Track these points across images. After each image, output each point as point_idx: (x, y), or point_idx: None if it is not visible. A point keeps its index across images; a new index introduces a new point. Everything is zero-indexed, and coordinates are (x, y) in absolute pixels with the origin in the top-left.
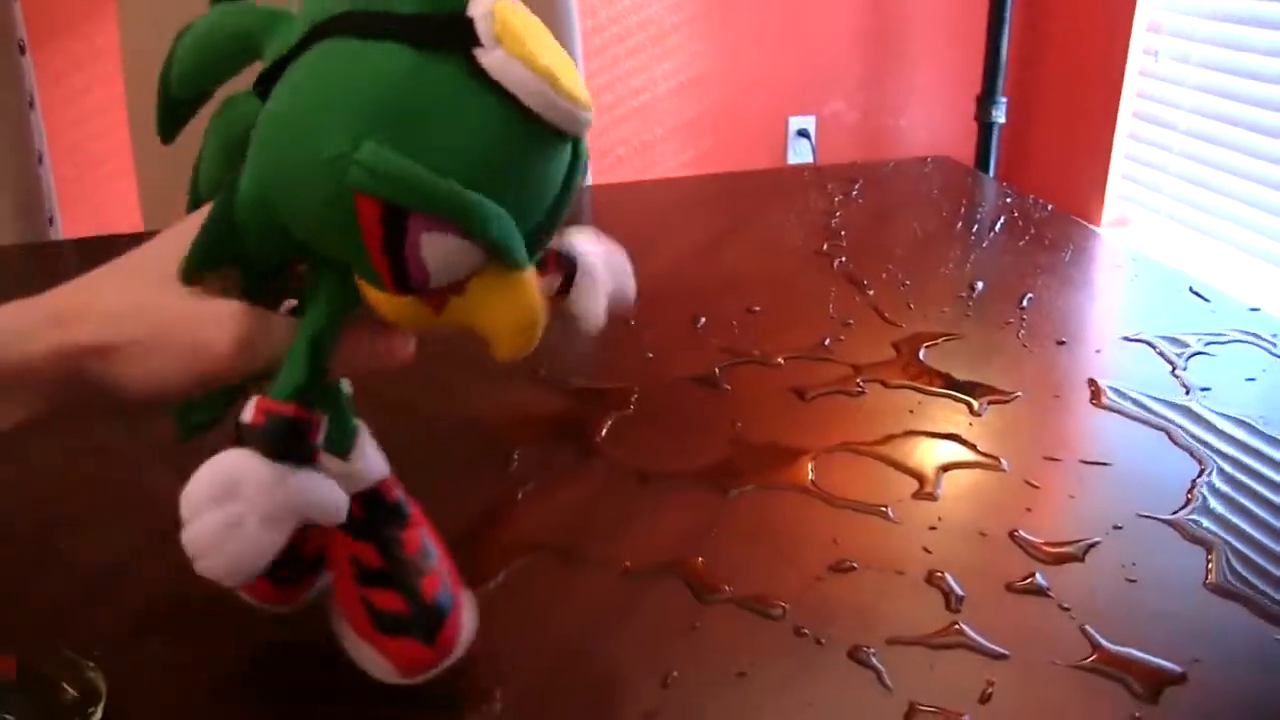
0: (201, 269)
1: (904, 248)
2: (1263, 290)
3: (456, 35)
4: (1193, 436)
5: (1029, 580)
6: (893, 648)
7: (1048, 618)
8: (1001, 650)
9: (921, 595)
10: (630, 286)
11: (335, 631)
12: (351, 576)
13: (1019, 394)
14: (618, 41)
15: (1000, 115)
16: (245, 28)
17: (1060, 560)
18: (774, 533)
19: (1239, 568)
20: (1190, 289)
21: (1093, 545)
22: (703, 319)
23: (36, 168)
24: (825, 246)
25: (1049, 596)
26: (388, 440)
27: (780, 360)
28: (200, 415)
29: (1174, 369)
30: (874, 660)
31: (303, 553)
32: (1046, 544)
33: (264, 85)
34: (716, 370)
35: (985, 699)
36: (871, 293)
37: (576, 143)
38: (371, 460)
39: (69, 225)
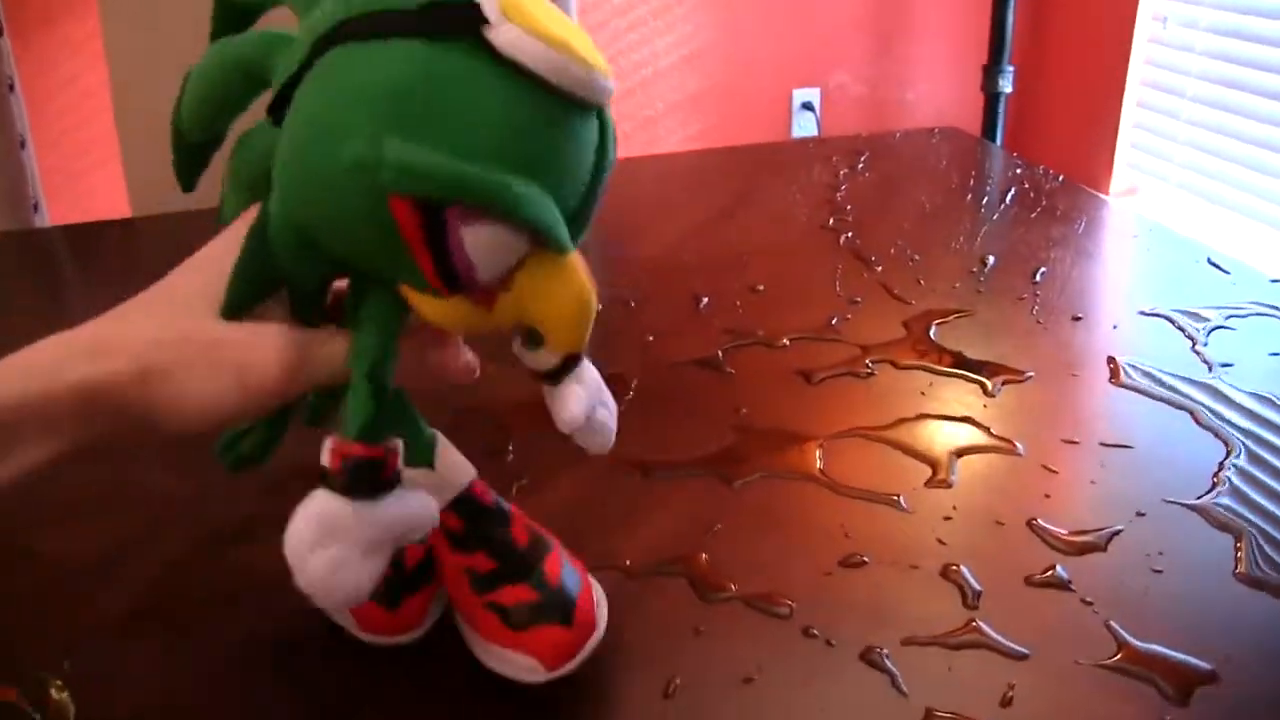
0: (244, 304)
1: (912, 222)
2: (1275, 257)
3: (463, 18)
4: (1217, 416)
5: (1049, 573)
6: (907, 648)
7: (1070, 613)
8: (1022, 650)
9: (937, 591)
10: (610, 429)
11: (473, 651)
12: (470, 589)
13: (1034, 373)
14: (618, 15)
15: (1007, 85)
16: (247, 55)
17: (1082, 550)
18: (781, 525)
19: (1272, 554)
20: (1208, 260)
21: (1115, 534)
22: (705, 299)
23: (19, 153)
24: (831, 221)
25: (1071, 590)
26: None
27: (786, 341)
28: (247, 445)
29: (1194, 344)
30: (888, 662)
31: (405, 570)
32: (1067, 533)
33: (276, 110)
34: (719, 353)
35: (1006, 703)
36: (879, 269)
37: (603, 120)
38: (457, 465)
39: (56, 212)
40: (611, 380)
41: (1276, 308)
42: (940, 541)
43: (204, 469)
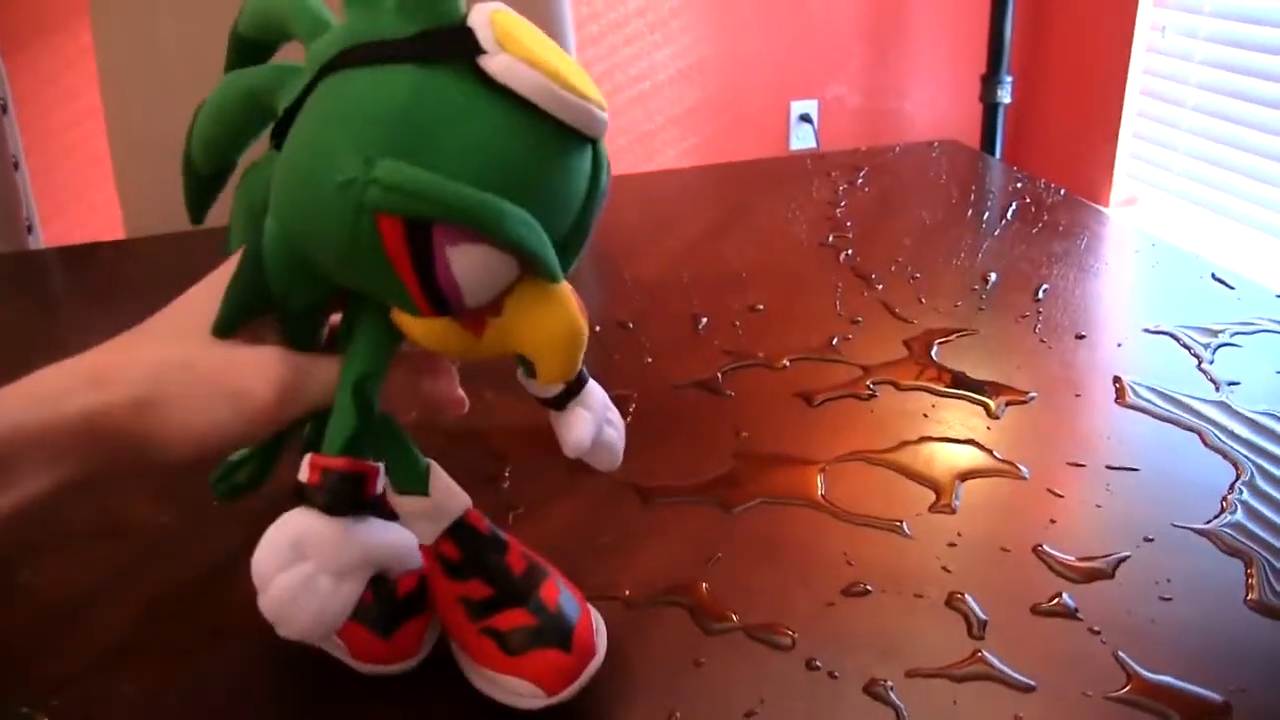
0: (236, 321)
1: (912, 238)
2: (1277, 267)
3: (458, 45)
4: (1225, 437)
5: (1056, 601)
6: (912, 680)
7: (1077, 642)
8: (1028, 681)
9: (942, 620)
10: (619, 448)
11: (471, 681)
12: (466, 617)
13: (1038, 393)
14: (615, 29)
15: (1005, 95)
16: (256, 86)
17: (1089, 577)
18: (782, 553)
19: None
20: (1213, 275)
21: (1123, 560)
22: (704, 319)
23: (12, 174)
24: (831, 238)
25: (1078, 619)
26: None
27: (786, 363)
28: (242, 476)
29: (1200, 362)
30: (893, 695)
31: (396, 596)
32: (1073, 559)
33: (278, 136)
34: (719, 375)
35: None
36: (880, 287)
37: (597, 151)
38: (452, 493)
39: (50, 234)
40: (611, 402)
41: None
42: (945, 569)
43: (194, 500)
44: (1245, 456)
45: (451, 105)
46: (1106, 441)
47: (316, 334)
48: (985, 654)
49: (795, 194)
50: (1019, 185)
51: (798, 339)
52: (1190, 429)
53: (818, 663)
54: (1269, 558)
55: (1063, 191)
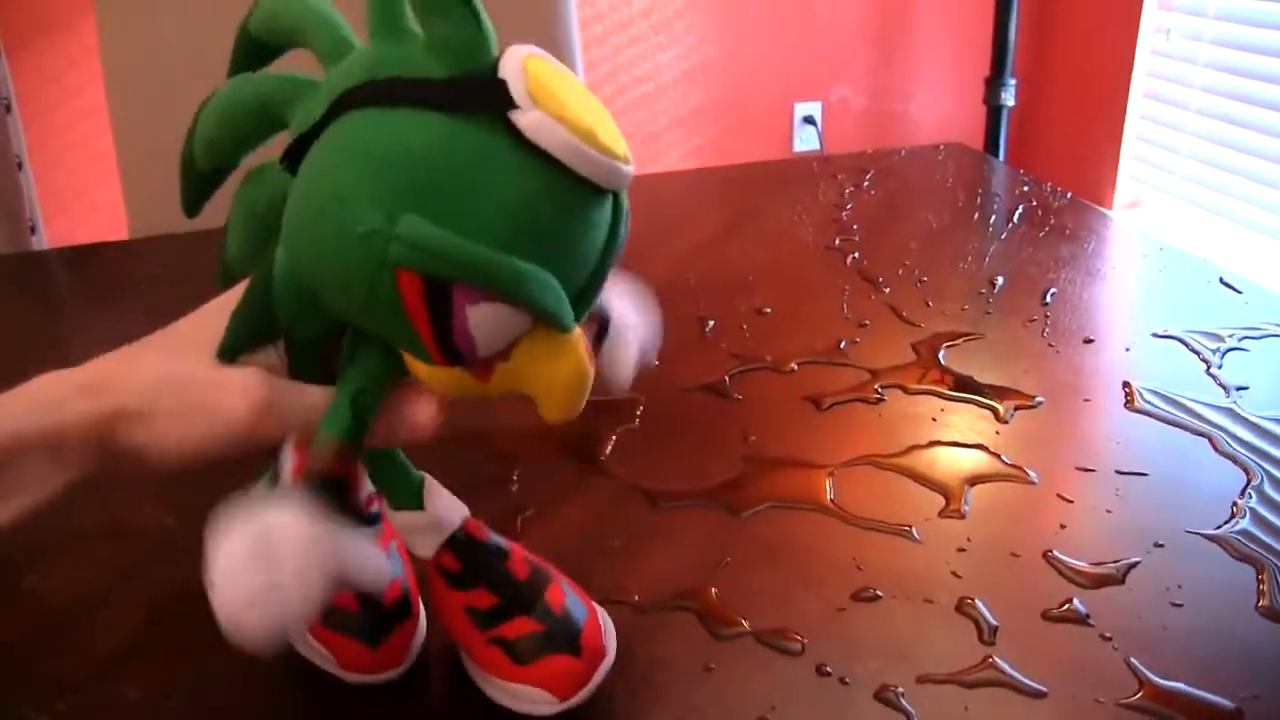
0: (240, 347)
1: (919, 241)
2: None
3: (490, 98)
4: (1235, 442)
5: (1066, 606)
6: (923, 686)
7: (1088, 648)
8: (1040, 687)
9: (952, 626)
10: (655, 344)
11: (482, 690)
12: (472, 626)
13: (1047, 398)
14: (619, 30)
15: (1010, 98)
16: (267, 95)
17: (1099, 583)
18: (792, 558)
19: None
20: (1220, 280)
21: (1133, 565)
22: (711, 322)
23: (16, 173)
24: (837, 241)
25: (1089, 625)
26: None
27: (793, 366)
28: None
29: (1209, 367)
30: (904, 701)
31: (382, 605)
32: (1083, 565)
33: (292, 160)
34: (726, 378)
35: None
36: (887, 290)
37: (618, 200)
38: (448, 505)
39: (52, 234)
40: (619, 405)
41: None
42: (955, 574)
43: (197, 503)
44: (1255, 462)
45: (480, 162)
46: (1115, 446)
47: (322, 364)
48: (996, 660)
49: (801, 196)
50: (1025, 189)
51: (805, 342)
52: (1200, 434)
53: (828, 668)
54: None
55: (1069, 195)
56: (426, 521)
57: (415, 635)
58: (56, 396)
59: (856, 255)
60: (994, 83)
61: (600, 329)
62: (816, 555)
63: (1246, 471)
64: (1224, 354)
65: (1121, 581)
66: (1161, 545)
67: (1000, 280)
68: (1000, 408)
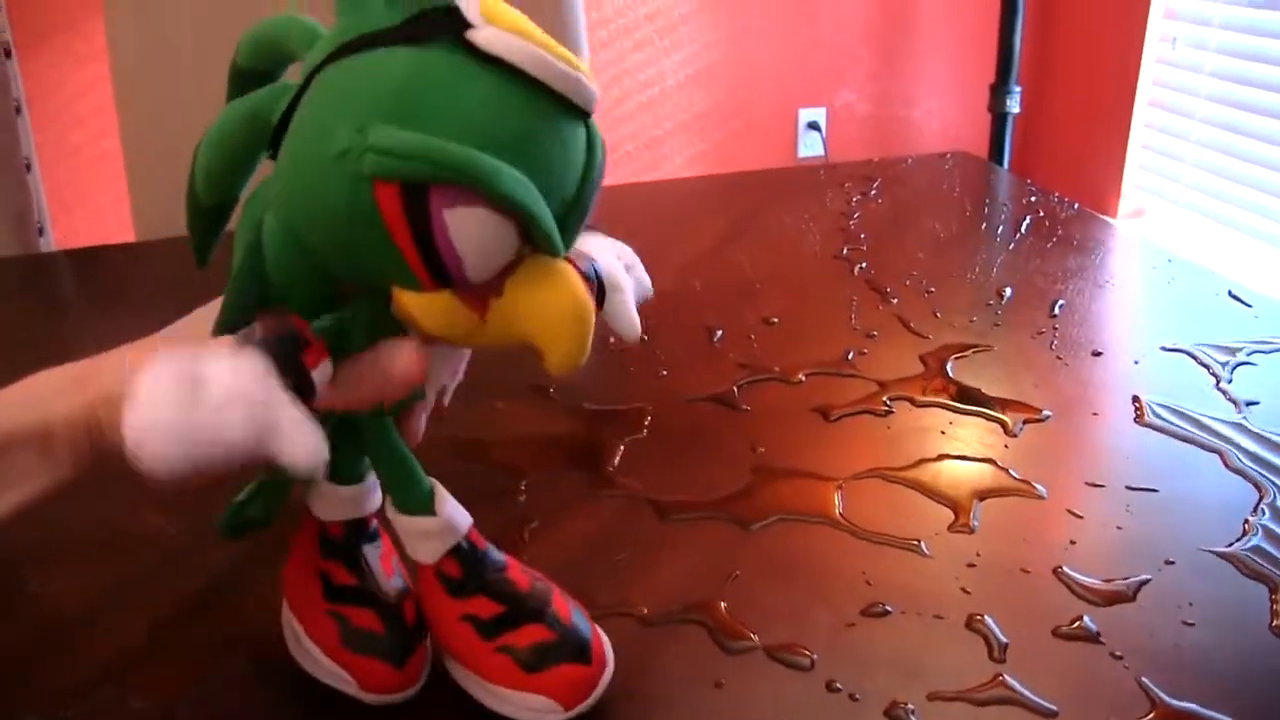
0: (237, 319)
1: (926, 251)
2: None
3: (446, 23)
4: (1247, 458)
5: (1077, 624)
6: (934, 704)
7: (1099, 667)
8: (1051, 706)
9: (962, 642)
10: (646, 279)
11: (478, 699)
12: (476, 634)
13: (1055, 411)
14: (625, 34)
15: (1014, 105)
16: (258, 103)
17: (1110, 600)
18: (801, 571)
19: None
20: (1229, 293)
21: (1144, 583)
22: (719, 331)
23: (25, 176)
24: (844, 250)
25: (1100, 642)
26: None
27: (802, 377)
28: (252, 512)
29: (1218, 381)
30: (914, 719)
31: (406, 624)
32: (1094, 582)
33: (276, 145)
34: (734, 389)
35: None
36: (895, 301)
37: (590, 130)
38: (457, 512)
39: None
40: (626, 416)
41: None
42: (964, 590)
43: (200, 512)
44: (1266, 478)
45: (443, 76)
46: (1125, 461)
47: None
48: (1006, 677)
49: (808, 204)
50: (1032, 199)
51: (813, 353)
52: (1210, 450)
53: (838, 684)
54: None
55: (1076, 205)
56: (438, 527)
57: (428, 652)
58: (45, 391)
59: (864, 265)
60: (999, 89)
61: (599, 291)
62: (826, 569)
63: (1258, 488)
64: (1234, 368)
65: (1132, 599)
66: (1172, 562)
67: (1008, 291)
68: (1009, 421)
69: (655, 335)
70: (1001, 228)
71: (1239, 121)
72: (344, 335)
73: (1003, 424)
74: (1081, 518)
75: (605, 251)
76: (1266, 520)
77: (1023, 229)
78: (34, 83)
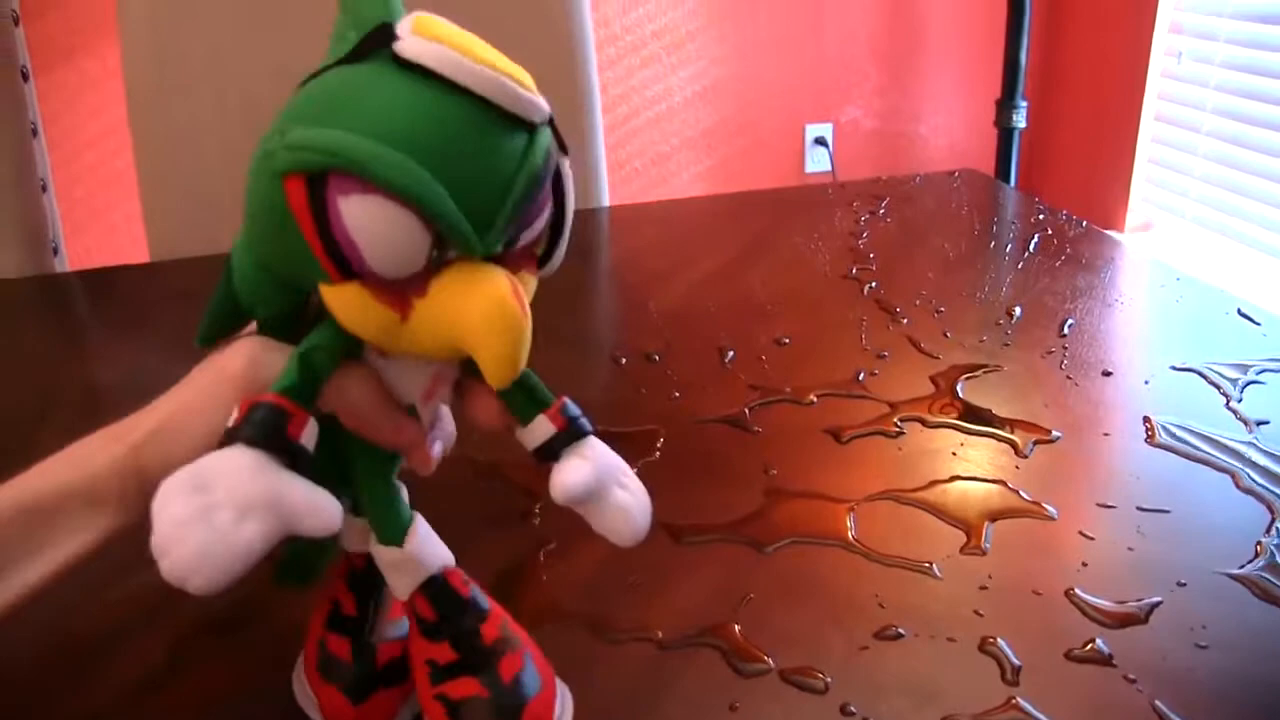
0: (214, 332)
1: (936, 271)
2: None
3: (380, 39)
4: (1258, 478)
5: (1090, 647)
6: None
7: (1113, 690)
8: None
9: (975, 665)
10: (635, 523)
11: None
12: (427, 678)
13: (1066, 432)
14: (632, 51)
15: (1021, 120)
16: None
17: (1122, 622)
18: (814, 594)
19: None
20: (1239, 311)
21: (1156, 605)
22: (731, 352)
23: (40, 196)
24: (854, 270)
25: (1113, 666)
26: None
27: (813, 398)
28: (302, 571)
29: (1229, 401)
30: None
31: (374, 665)
32: (1106, 604)
33: None
34: (746, 410)
35: None
36: (905, 321)
37: (535, 136)
38: (432, 548)
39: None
40: (638, 438)
41: None
42: (977, 613)
43: None
44: (1279, 499)
45: (362, 82)
46: (1136, 482)
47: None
48: (1020, 701)
49: (817, 224)
50: (1040, 217)
51: (824, 373)
52: (1222, 470)
53: (852, 708)
54: None
55: (1084, 223)
56: (402, 559)
57: (405, 701)
58: (86, 450)
59: (874, 285)
60: (1005, 105)
61: (563, 432)
62: (839, 592)
63: (1270, 509)
64: (1244, 387)
65: (1145, 621)
66: (1185, 584)
67: (1018, 311)
68: (1019, 441)
69: (667, 356)
70: (1010, 246)
71: (1245, 135)
72: (310, 364)
73: (1013, 445)
74: (1093, 539)
75: (604, 453)
76: (1278, 542)
77: (1031, 247)
78: (48, 103)
